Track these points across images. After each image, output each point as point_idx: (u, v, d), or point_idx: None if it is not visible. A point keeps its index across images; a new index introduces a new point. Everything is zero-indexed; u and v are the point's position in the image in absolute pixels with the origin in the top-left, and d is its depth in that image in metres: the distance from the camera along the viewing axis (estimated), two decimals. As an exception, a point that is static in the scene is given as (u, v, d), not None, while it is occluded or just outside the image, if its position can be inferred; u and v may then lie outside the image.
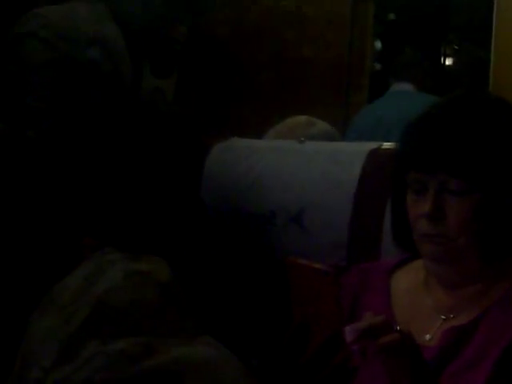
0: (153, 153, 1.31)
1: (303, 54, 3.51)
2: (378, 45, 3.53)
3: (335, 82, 3.50)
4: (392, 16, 3.67)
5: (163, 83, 3.27)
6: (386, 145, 1.62)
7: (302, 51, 3.51)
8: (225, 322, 1.30)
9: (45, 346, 0.88)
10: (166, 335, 0.90)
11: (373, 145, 1.64)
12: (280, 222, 1.62)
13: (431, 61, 3.20)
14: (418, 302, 1.30)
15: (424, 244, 1.24)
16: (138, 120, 1.37)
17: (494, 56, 3.20)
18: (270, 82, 3.53)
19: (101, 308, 0.89)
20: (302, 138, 1.72)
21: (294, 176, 1.64)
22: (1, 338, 1.24)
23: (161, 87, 3.24)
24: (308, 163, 1.64)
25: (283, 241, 1.62)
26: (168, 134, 1.38)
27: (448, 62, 3.87)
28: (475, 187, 1.20)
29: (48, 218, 1.42)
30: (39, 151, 1.43)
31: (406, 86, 3.05)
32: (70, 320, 0.89)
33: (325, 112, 2.38)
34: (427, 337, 1.24)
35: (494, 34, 3.21)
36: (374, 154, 1.59)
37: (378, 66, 3.56)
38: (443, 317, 1.26)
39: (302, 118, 2.02)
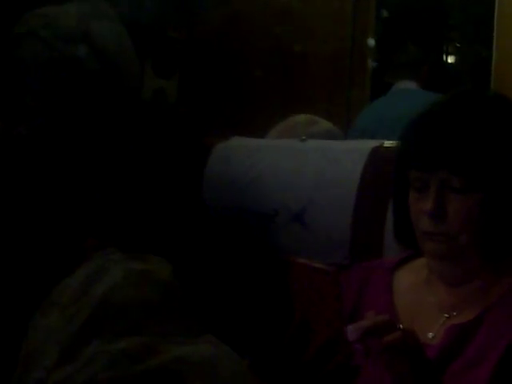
0: (154, 153, 1.31)
1: (305, 52, 3.51)
2: (372, 42, 3.52)
3: (337, 80, 3.50)
4: (388, 13, 3.66)
5: (165, 83, 3.28)
6: (388, 143, 1.62)
7: (303, 49, 3.51)
8: (226, 320, 1.30)
9: (46, 346, 0.88)
10: (168, 334, 0.90)
11: (375, 143, 1.64)
12: (282, 221, 1.62)
13: (433, 59, 3.19)
14: (420, 299, 1.30)
15: (426, 242, 1.24)
16: (140, 120, 1.38)
17: (496, 53, 3.19)
18: (271, 81, 3.53)
19: (102, 307, 0.89)
20: (304, 137, 1.72)
21: (295, 174, 1.64)
22: (2, 338, 1.24)
23: (163, 87, 3.25)
24: (310, 162, 1.64)
25: (285, 239, 1.62)
26: (169, 134, 1.38)
27: (450, 60, 3.86)
28: (476, 185, 1.20)
29: (51, 218, 1.42)
30: (39, 150, 1.43)
31: (409, 85, 3.04)
32: (72, 320, 0.89)
33: (326, 110, 2.38)
34: (430, 335, 1.24)
35: (495, 31, 3.20)
36: (376, 152, 1.60)
37: (373, 64, 3.55)
38: (446, 315, 1.26)
39: (304, 117, 2.02)
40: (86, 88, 1.43)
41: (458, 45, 3.90)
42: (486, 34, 3.35)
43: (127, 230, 1.30)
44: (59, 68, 1.43)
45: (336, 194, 1.58)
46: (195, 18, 3.34)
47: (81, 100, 1.43)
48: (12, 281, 1.34)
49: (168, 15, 2.95)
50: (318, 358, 1.06)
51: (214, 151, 1.75)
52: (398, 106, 2.89)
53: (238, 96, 3.50)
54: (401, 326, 1.07)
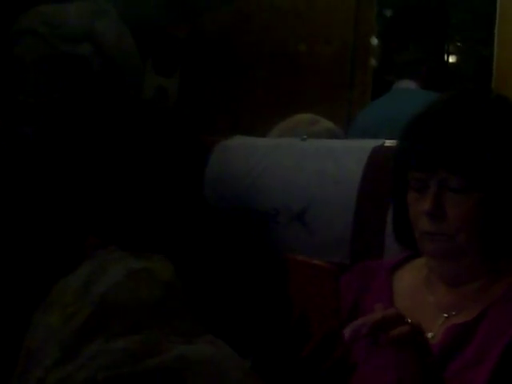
0: (155, 151, 1.31)
1: (306, 51, 3.51)
2: (373, 42, 3.51)
3: (338, 79, 3.50)
4: (389, 12, 3.65)
5: (166, 82, 3.28)
6: (389, 142, 1.61)
7: (305, 48, 3.51)
8: (227, 319, 1.30)
9: (47, 345, 0.88)
10: (169, 333, 0.90)
11: (376, 142, 1.64)
12: (283, 220, 1.62)
13: (434, 58, 3.18)
14: (420, 299, 1.30)
15: (425, 242, 1.24)
16: (141, 119, 1.38)
17: (497, 53, 3.19)
18: (272, 80, 3.52)
19: (103, 306, 0.90)
20: (305, 136, 1.72)
21: (296, 174, 1.64)
22: (3, 337, 1.24)
23: (164, 86, 3.25)
24: (311, 161, 1.64)
25: (286, 239, 1.62)
26: (170, 132, 1.38)
27: (451, 59, 3.86)
28: (476, 185, 1.20)
29: (51, 217, 1.42)
30: (39, 148, 1.43)
31: (410, 84, 3.04)
32: (73, 318, 0.89)
33: (328, 110, 2.38)
34: (429, 334, 1.24)
35: (496, 30, 3.20)
36: (377, 151, 1.59)
37: (374, 64, 3.55)
38: (445, 314, 1.26)
39: (306, 116, 2.02)
40: (88, 86, 1.43)
41: (459, 44, 3.90)
42: (487, 33, 3.35)
43: (128, 228, 1.30)
44: (60, 66, 1.43)
45: (337, 193, 1.58)
46: (196, 17, 3.34)
47: (82, 98, 1.43)
48: (13, 279, 1.34)
49: (169, 13, 2.95)
50: (316, 355, 1.05)
51: (215, 150, 1.75)
52: (398, 105, 2.88)
53: (240, 94, 3.50)
54: (409, 320, 1.06)
